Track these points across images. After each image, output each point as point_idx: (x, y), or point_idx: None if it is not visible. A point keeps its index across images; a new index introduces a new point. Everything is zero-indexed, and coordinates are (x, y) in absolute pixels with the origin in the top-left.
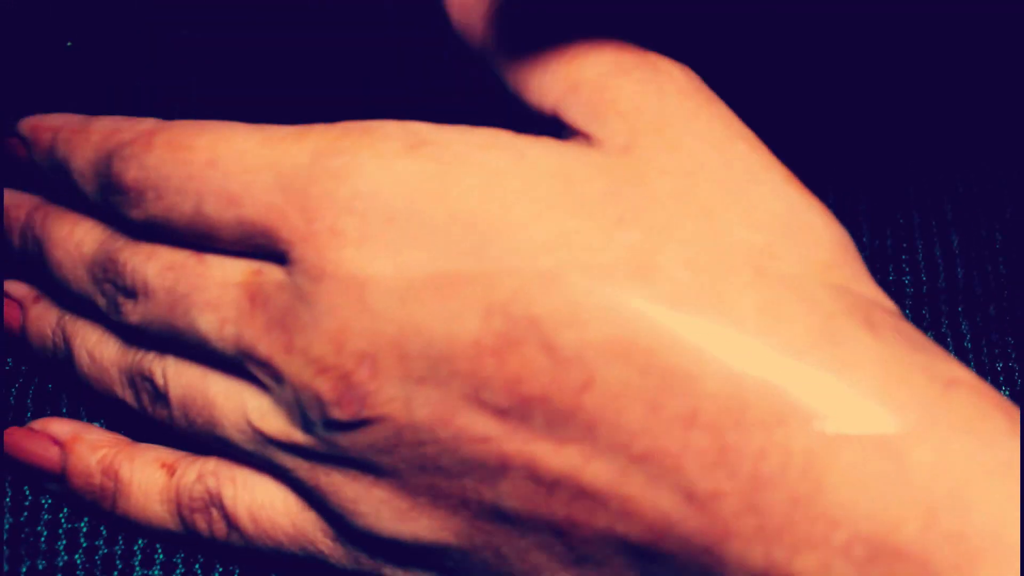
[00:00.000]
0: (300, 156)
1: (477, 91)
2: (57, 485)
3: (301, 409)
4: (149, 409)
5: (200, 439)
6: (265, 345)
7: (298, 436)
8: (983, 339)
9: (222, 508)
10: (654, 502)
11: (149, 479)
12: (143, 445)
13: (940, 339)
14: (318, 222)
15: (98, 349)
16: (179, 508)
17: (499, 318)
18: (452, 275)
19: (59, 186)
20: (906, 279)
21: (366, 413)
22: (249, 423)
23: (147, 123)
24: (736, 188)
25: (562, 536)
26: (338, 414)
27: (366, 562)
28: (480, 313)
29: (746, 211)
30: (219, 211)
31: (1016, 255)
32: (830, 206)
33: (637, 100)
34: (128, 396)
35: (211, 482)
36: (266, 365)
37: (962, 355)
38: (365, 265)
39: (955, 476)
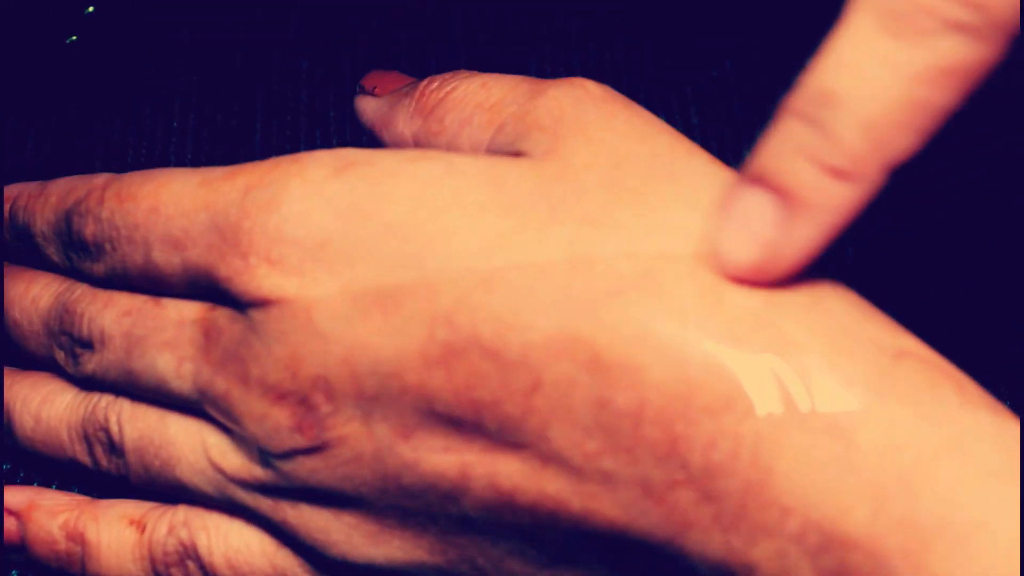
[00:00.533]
0: (232, 193)
1: None
2: (19, 555)
3: (260, 445)
4: (103, 461)
5: (157, 487)
6: (222, 380)
7: (259, 472)
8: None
9: (198, 559)
10: (613, 498)
11: (118, 538)
12: (105, 502)
13: None
14: (253, 255)
15: (44, 410)
16: (153, 564)
17: (443, 328)
18: (393, 289)
19: (26, 253)
20: None
21: (326, 436)
22: (209, 461)
23: (100, 178)
24: (665, 174)
25: (533, 540)
26: (299, 441)
27: None
28: (424, 325)
29: (678, 194)
30: (166, 257)
31: (1006, 258)
32: None
33: (555, 112)
34: (79, 452)
35: (183, 533)
36: (224, 400)
37: None
38: (307, 289)
39: (903, 458)
